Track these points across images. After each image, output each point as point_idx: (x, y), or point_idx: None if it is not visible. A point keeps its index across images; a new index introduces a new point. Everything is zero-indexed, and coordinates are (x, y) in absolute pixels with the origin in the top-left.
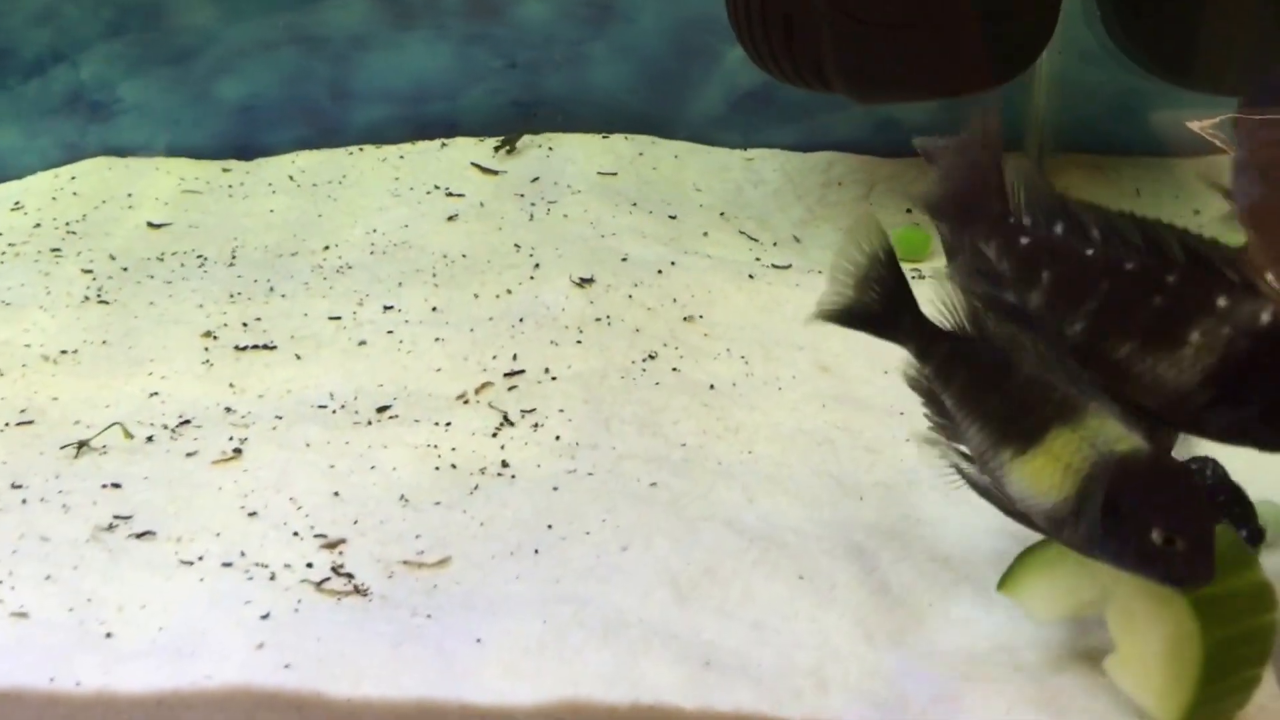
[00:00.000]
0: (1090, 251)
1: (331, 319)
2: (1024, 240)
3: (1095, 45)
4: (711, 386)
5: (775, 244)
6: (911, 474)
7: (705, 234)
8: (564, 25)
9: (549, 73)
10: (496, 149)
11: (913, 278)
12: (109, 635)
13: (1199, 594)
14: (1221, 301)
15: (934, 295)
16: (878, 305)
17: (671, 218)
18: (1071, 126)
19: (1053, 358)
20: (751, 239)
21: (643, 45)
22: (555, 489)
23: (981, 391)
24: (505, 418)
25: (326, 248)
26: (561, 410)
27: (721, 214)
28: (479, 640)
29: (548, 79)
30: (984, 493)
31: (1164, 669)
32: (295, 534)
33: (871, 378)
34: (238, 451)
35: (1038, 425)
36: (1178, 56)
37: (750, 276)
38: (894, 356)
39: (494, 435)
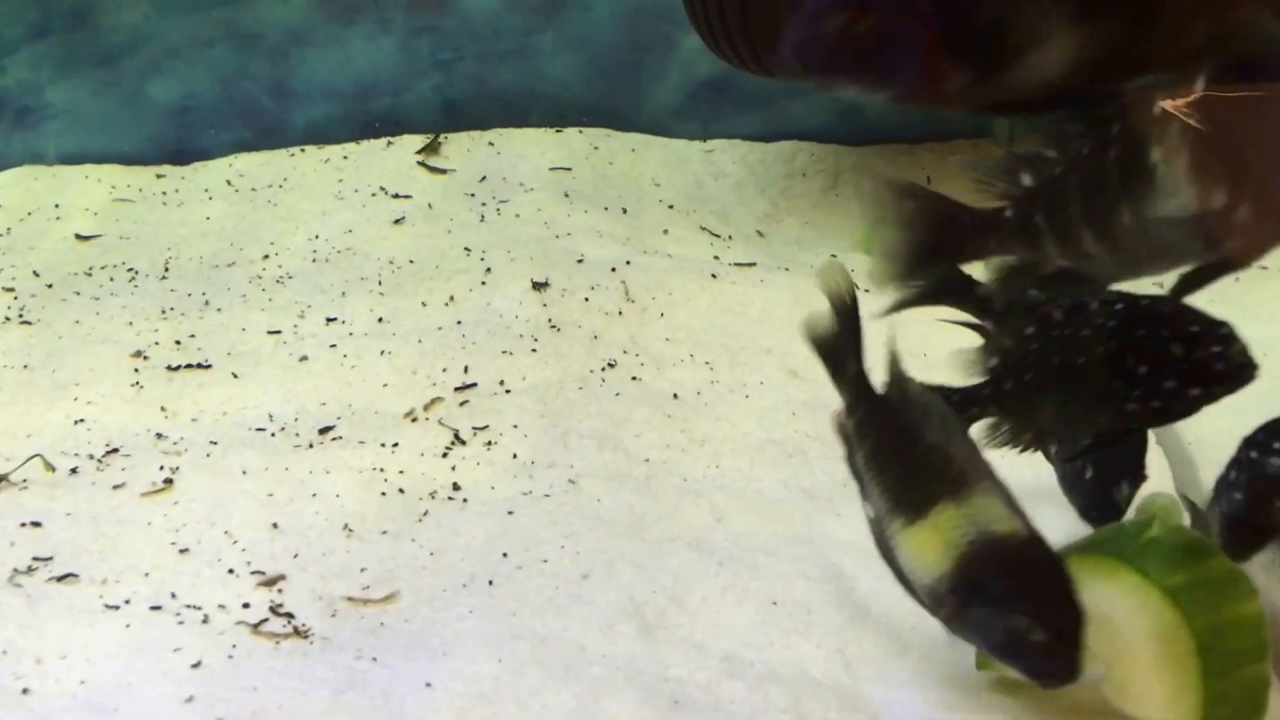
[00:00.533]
0: None
1: (271, 333)
2: None
3: None
4: (675, 396)
5: (738, 240)
6: None
7: (665, 231)
8: (512, 16)
9: (498, 65)
10: (419, 151)
11: None
12: (25, 691)
13: (1172, 584)
14: None
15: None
16: (828, 345)
17: (629, 215)
18: None
19: (956, 430)
20: (713, 235)
21: (595, 35)
22: (510, 513)
23: (886, 455)
24: (456, 436)
25: (266, 257)
26: (516, 426)
27: (681, 209)
28: (428, 685)
29: (497, 72)
30: (885, 557)
31: (1162, 673)
32: (230, 571)
33: None
34: (169, 482)
35: (928, 497)
36: None
37: (713, 276)
38: (867, 359)
39: (444, 455)
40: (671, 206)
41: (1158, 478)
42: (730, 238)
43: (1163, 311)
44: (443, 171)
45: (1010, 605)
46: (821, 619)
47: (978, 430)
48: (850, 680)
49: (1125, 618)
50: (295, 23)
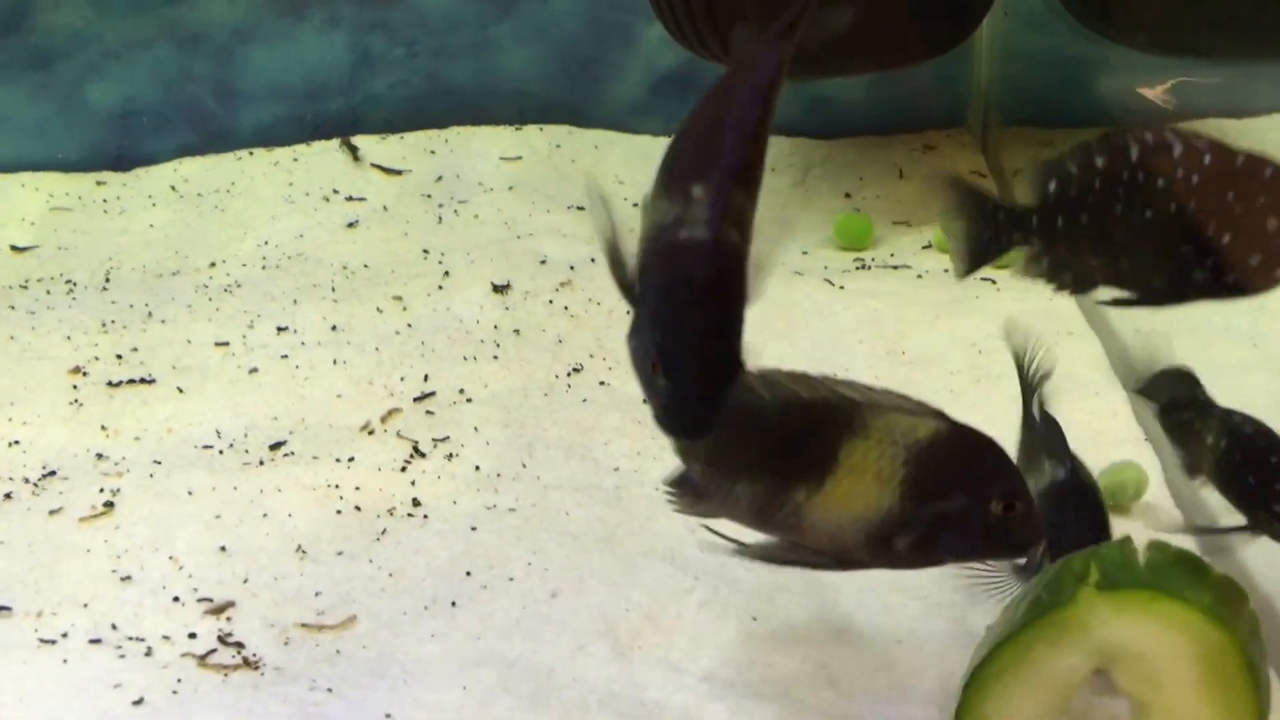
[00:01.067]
0: None
1: (218, 345)
2: None
3: (1041, 9)
4: (644, 401)
5: None
6: None
7: (631, 230)
8: (467, 9)
9: (453, 61)
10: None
11: (857, 268)
12: None
13: (1206, 603)
14: None
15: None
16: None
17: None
18: (1019, 98)
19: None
20: None
21: (554, 28)
22: (474, 529)
23: (737, 445)
24: (415, 448)
25: (213, 264)
26: (479, 436)
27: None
28: (388, 716)
29: (452, 68)
30: (771, 558)
31: (1213, 696)
32: (176, 599)
33: None
34: (109, 505)
35: (823, 452)
36: (1126, 16)
37: None
38: (842, 359)
39: (403, 470)
40: (636, 205)
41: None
42: None
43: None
44: (398, 172)
45: (986, 491)
46: (804, 634)
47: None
48: (836, 697)
49: (1166, 648)
50: (240, 20)
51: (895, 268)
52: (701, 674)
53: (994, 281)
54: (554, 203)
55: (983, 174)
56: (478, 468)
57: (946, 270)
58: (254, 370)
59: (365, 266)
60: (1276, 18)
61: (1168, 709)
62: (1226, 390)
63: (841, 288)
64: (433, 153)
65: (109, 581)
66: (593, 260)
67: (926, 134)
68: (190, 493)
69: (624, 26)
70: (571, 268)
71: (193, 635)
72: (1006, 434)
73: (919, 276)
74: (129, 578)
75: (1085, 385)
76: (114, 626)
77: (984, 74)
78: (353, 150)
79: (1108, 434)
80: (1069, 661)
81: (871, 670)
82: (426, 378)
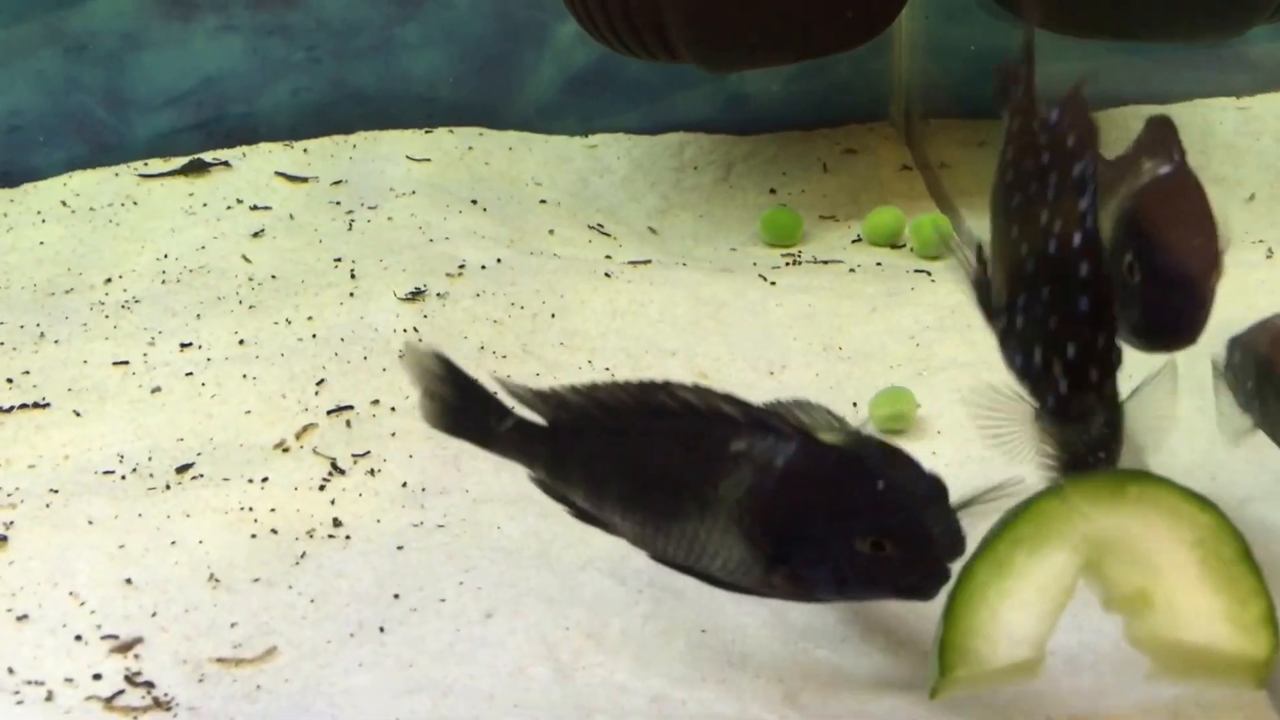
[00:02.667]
0: None
1: (117, 364)
2: None
3: (959, 1)
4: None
5: (630, 237)
6: None
7: (551, 232)
8: (371, 10)
9: (357, 63)
10: (175, 173)
11: (787, 263)
12: None
13: (1186, 491)
14: None
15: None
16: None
17: (511, 216)
18: (940, 89)
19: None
20: (603, 234)
21: (461, 27)
22: (400, 548)
23: (615, 476)
24: (334, 465)
25: (109, 280)
26: (401, 450)
27: (567, 208)
28: None
29: (356, 71)
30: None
31: (1217, 583)
32: (78, 638)
33: (757, 381)
34: (2, 540)
35: (691, 484)
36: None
37: (606, 275)
38: (779, 356)
39: (321, 488)
40: (557, 205)
41: None
42: (622, 236)
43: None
44: (303, 180)
45: (849, 529)
46: (756, 646)
47: None
48: (794, 713)
49: (1159, 534)
50: (129, 26)
51: (826, 262)
52: (651, 694)
53: (929, 273)
54: (470, 206)
55: (909, 166)
56: (403, 484)
57: (879, 264)
58: (156, 389)
59: (273, 277)
60: (1197, 2)
61: (1170, 598)
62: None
63: (773, 284)
64: (339, 158)
65: (3, 621)
66: (517, 266)
67: (848, 127)
68: (91, 522)
69: (534, 24)
70: (497, 273)
71: (97, 676)
72: (958, 424)
73: (851, 270)
74: (25, 616)
75: None
76: (10, 670)
77: (904, 67)
78: (203, 167)
79: None
80: (1056, 560)
81: (830, 683)
82: (342, 391)
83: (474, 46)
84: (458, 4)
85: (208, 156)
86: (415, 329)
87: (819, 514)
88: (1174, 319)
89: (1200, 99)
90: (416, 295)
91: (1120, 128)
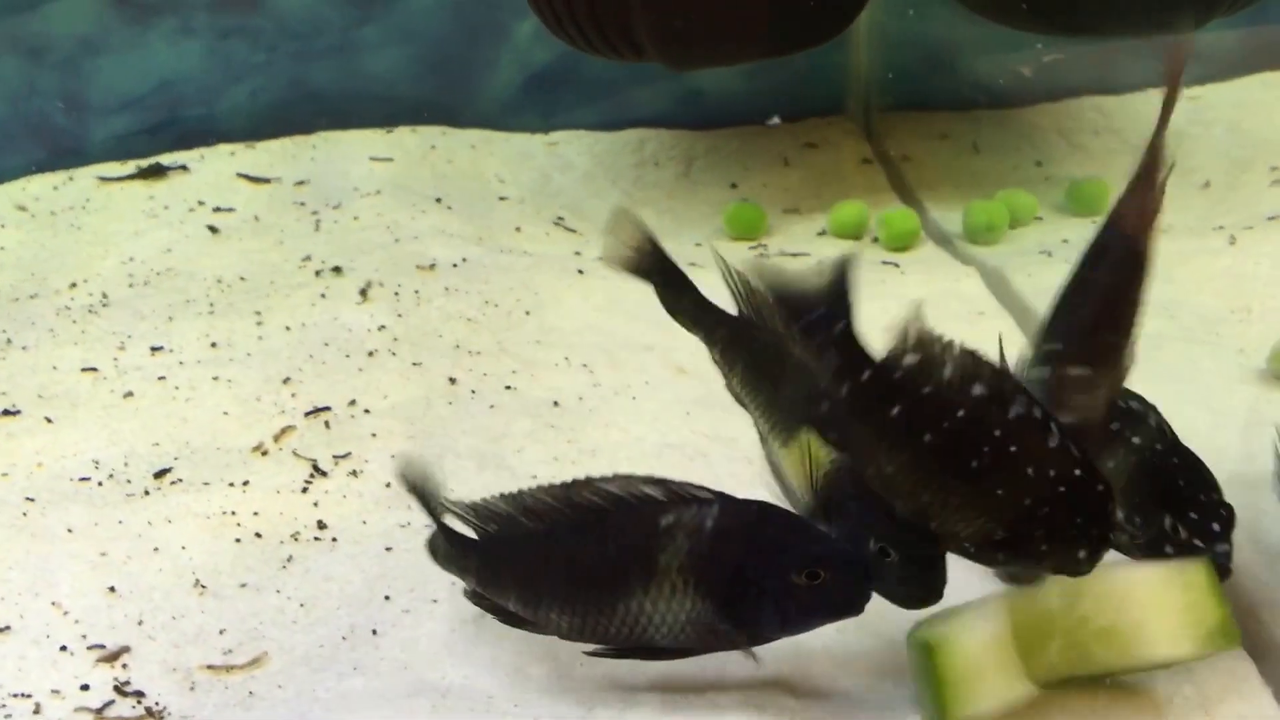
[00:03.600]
0: None
1: (87, 370)
2: None
3: None
4: (555, 403)
5: (596, 234)
6: None
7: (518, 229)
8: (329, 9)
9: (316, 64)
10: (133, 177)
11: (756, 257)
12: None
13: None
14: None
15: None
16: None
17: (477, 214)
18: (898, 83)
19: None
20: (569, 230)
21: (421, 26)
22: (388, 549)
23: (758, 377)
24: (315, 467)
25: (74, 285)
26: (383, 450)
27: (532, 205)
28: None
29: (316, 71)
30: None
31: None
32: (63, 649)
33: None
34: None
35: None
36: None
37: (580, 272)
38: None
39: (304, 490)
40: (521, 202)
41: None
42: (589, 233)
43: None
44: (265, 180)
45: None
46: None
47: None
48: (797, 704)
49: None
50: (87, 31)
51: (795, 255)
52: (650, 687)
53: (897, 265)
54: (436, 204)
55: (870, 160)
56: (387, 485)
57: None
58: (129, 394)
59: (242, 279)
60: None
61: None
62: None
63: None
64: (300, 159)
65: None
66: (488, 264)
67: (808, 122)
68: (70, 530)
69: (494, 23)
70: (468, 271)
71: (85, 687)
72: None
73: (820, 263)
74: (7, 628)
75: None
76: None
77: (863, 61)
78: (160, 170)
79: None
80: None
81: (829, 676)
82: (319, 392)
83: (433, 46)
84: (416, 4)
85: (166, 159)
86: (389, 328)
87: (756, 559)
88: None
89: (1152, 89)
90: (389, 294)
91: (1075, 119)
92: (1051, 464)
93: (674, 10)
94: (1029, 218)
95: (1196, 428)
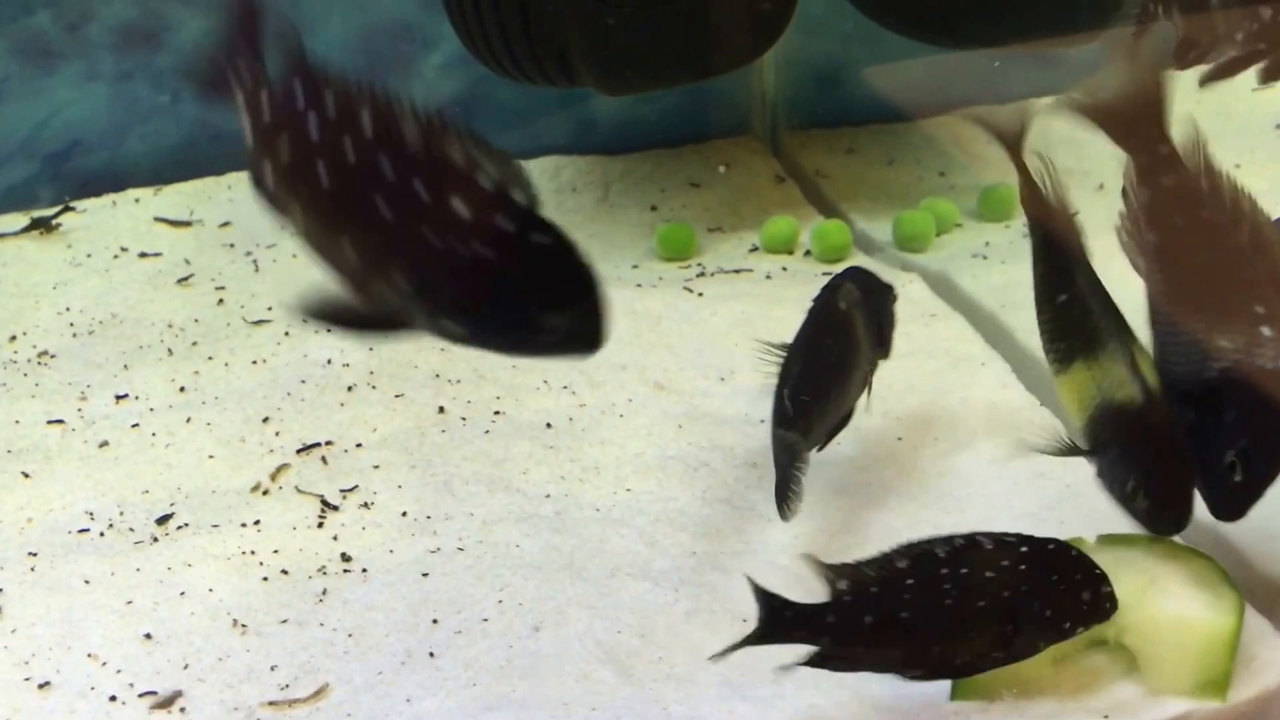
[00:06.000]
0: None
1: (53, 423)
2: None
3: (818, 14)
4: (548, 425)
5: None
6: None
7: None
8: None
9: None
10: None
11: (698, 275)
12: None
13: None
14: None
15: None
16: None
17: None
18: (802, 102)
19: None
20: None
21: (329, 62)
22: (425, 575)
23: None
24: (324, 502)
25: (13, 338)
26: (388, 481)
27: None
28: None
29: (223, 111)
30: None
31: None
32: (112, 698)
33: (710, 388)
34: None
35: (1069, 352)
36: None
37: None
38: (725, 363)
39: (320, 525)
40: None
41: None
42: None
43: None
44: (186, 223)
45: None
46: None
47: None
48: (853, 679)
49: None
50: None
51: (737, 271)
52: (716, 683)
53: None
54: None
55: (783, 176)
56: (403, 513)
57: (785, 269)
58: (104, 444)
59: (196, 321)
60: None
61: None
62: None
63: (700, 294)
64: (216, 200)
65: (25, 692)
66: None
67: (714, 143)
68: (87, 581)
69: (401, 56)
70: None
71: None
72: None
73: (768, 277)
74: (48, 684)
75: (968, 361)
76: None
77: (768, 81)
78: (46, 224)
79: (1001, 405)
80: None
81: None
82: (305, 429)
83: None
84: (322, 37)
85: (76, 205)
86: (362, 362)
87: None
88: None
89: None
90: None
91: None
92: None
93: (611, 39)
94: (951, 224)
95: None
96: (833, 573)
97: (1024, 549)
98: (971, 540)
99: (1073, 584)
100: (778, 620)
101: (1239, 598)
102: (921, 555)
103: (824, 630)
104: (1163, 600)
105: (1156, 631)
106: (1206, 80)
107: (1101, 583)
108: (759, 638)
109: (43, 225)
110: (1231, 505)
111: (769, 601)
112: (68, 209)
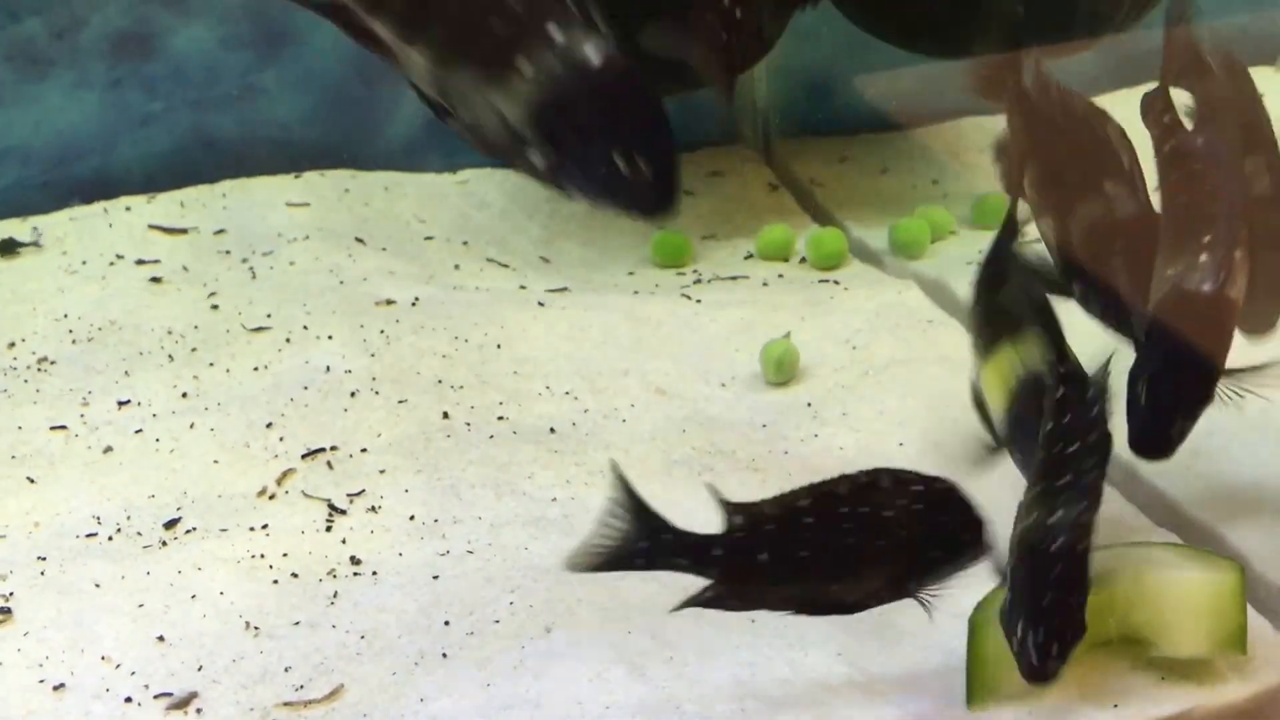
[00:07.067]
0: None
1: (56, 429)
2: None
3: (810, 23)
4: (552, 430)
5: (527, 268)
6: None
7: (457, 266)
8: (227, 55)
9: (216, 111)
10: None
11: (695, 282)
12: None
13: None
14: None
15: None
16: None
17: (411, 254)
18: (794, 110)
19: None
20: (502, 265)
21: (320, 71)
22: (435, 577)
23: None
24: (332, 506)
25: (12, 345)
26: (395, 485)
27: (457, 243)
28: None
29: (216, 119)
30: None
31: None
32: (128, 700)
33: (712, 394)
34: (6, 611)
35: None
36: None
37: (540, 304)
38: (726, 368)
39: (328, 529)
40: (447, 241)
41: None
42: (521, 267)
43: None
44: (181, 231)
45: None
46: (807, 624)
47: None
48: (865, 680)
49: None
50: None
51: (734, 278)
52: (728, 682)
53: (837, 282)
54: (368, 246)
55: (776, 185)
56: (411, 517)
57: (781, 276)
58: (108, 449)
59: (195, 328)
60: (1039, 16)
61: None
62: None
63: (699, 301)
64: (211, 208)
65: (41, 694)
66: (445, 301)
67: (706, 151)
68: (97, 585)
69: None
70: (434, 312)
71: None
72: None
73: (764, 284)
74: (62, 686)
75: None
76: None
77: (761, 89)
78: (11, 247)
79: None
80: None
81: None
82: (310, 435)
83: (332, 90)
84: (313, 48)
85: (73, 212)
86: (364, 368)
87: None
88: None
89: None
90: (355, 336)
91: (963, 138)
92: None
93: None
94: (946, 232)
95: None
96: (730, 508)
97: (918, 488)
98: (873, 478)
99: (958, 525)
100: (656, 542)
101: (1235, 561)
102: (824, 495)
103: (710, 563)
104: (1162, 572)
105: (1163, 599)
106: None
107: (981, 527)
108: (628, 556)
109: (10, 250)
110: (1144, 439)
111: (648, 521)
112: (36, 244)
